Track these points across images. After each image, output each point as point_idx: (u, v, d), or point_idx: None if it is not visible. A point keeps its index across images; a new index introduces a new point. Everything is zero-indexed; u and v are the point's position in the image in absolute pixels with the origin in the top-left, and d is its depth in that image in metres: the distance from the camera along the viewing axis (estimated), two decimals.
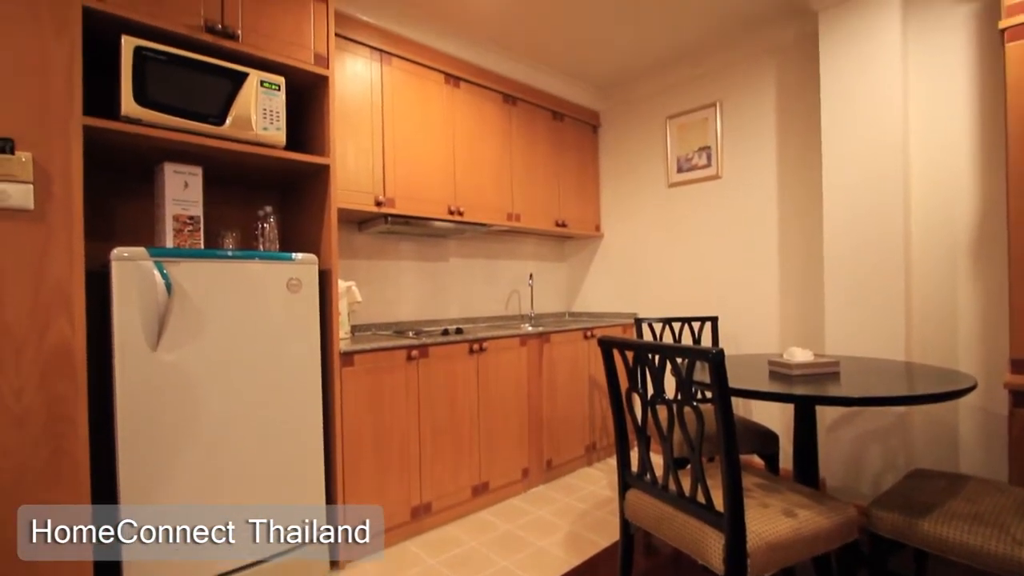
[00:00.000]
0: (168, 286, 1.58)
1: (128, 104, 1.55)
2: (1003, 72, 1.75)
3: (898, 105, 2.24)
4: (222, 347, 1.68)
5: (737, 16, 2.67)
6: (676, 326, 2.71)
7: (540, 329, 2.87)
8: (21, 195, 1.41)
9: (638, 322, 2.74)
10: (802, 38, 2.68)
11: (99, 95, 1.59)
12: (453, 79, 2.77)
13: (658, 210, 3.39)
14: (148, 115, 1.58)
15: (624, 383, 1.53)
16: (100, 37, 1.56)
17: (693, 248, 3.20)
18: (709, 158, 3.12)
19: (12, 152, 1.39)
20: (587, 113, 3.63)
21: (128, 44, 1.56)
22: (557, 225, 3.36)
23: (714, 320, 2.76)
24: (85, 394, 1.44)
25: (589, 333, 3.11)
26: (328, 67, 1.98)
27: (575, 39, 2.88)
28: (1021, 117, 1.68)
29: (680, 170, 3.26)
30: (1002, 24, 1.74)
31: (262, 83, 1.81)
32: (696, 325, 2.75)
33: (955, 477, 1.60)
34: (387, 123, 2.48)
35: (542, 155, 3.29)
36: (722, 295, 3.04)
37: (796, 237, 2.76)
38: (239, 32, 1.77)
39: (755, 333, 2.91)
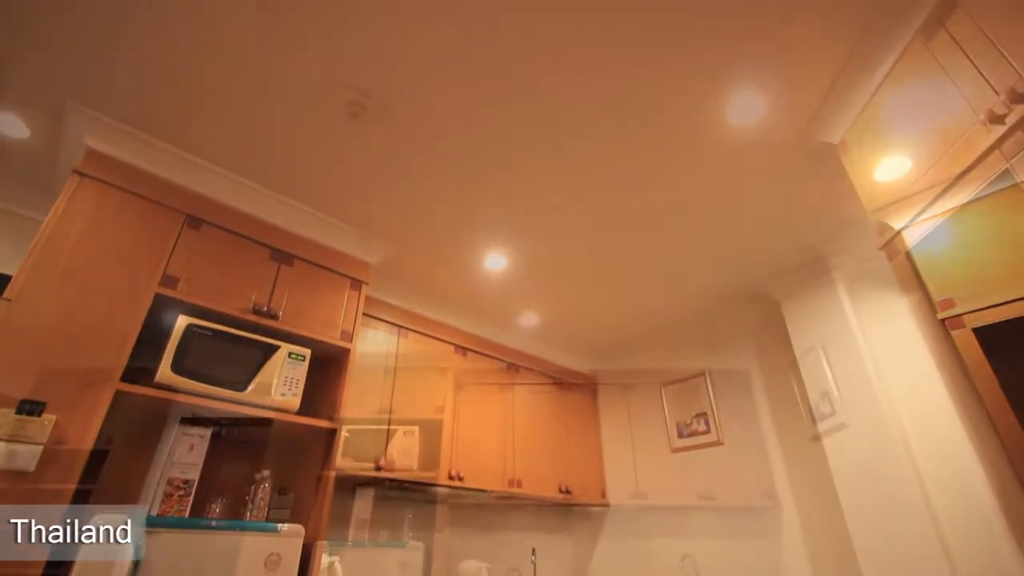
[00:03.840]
0: (136, 563, 1.44)
1: (164, 372, 1.69)
2: (958, 352, 1.94)
3: (874, 382, 2.39)
4: None
5: (710, 300, 3.09)
6: None
7: None
8: (27, 457, 1.41)
9: None
10: (773, 319, 3.03)
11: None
12: (461, 349, 3.05)
13: (665, 476, 3.26)
14: (179, 382, 1.71)
15: None
16: (157, 313, 1.78)
17: (714, 523, 2.96)
18: (707, 424, 3.16)
19: (40, 415, 1.46)
20: (586, 378, 3.83)
21: (182, 322, 1.79)
22: (561, 491, 3.19)
23: None
24: None
25: None
26: (351, 341, 2.21)
27: (570, 316, 3.28)
28: (991, 393, 1.79)
29: (681, 435, 3.27)
30: (939, 316, 2.00)
31: (290, 354, 1.99)
32: None
33: None
34: (397, 388, 2.62)
35: (543, 419, 3.35)
36: None
37: (818, 513, 2.59)
38: (280, 313, 2.04)
39: None
